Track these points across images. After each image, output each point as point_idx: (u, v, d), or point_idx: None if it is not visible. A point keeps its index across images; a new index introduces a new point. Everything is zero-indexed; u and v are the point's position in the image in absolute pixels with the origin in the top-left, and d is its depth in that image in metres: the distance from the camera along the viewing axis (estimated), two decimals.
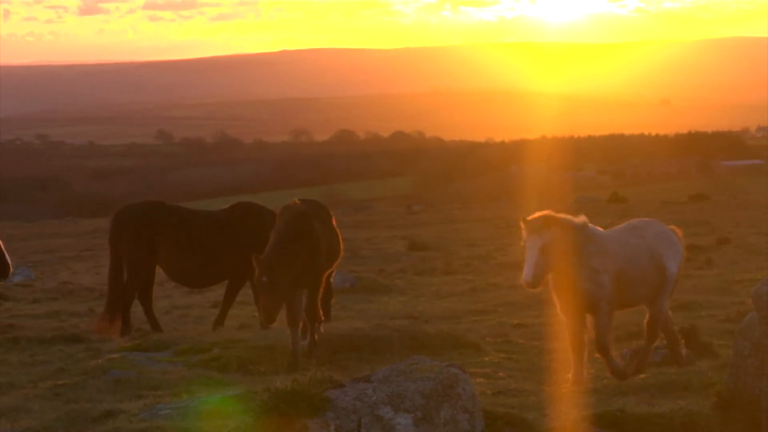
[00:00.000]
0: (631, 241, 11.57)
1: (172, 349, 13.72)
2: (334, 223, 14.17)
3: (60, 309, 19.87)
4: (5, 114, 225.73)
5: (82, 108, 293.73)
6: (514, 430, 8.42)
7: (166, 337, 14.78)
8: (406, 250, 32.59)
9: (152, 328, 16.23)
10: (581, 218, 11.18)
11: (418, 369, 7.94)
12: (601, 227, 12.25)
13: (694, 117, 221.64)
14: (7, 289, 23.11)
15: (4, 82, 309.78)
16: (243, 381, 11.58)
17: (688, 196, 59.50)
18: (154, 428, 8.97)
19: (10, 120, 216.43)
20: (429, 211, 60.96)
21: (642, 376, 11.37)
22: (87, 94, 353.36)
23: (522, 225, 10.86)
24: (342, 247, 14.32)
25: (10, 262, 12.35)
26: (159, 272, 16.64)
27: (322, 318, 14.02)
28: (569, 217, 11.16)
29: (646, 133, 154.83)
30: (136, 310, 16.70)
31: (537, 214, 10.90)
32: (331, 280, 15.53)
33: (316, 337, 13.54)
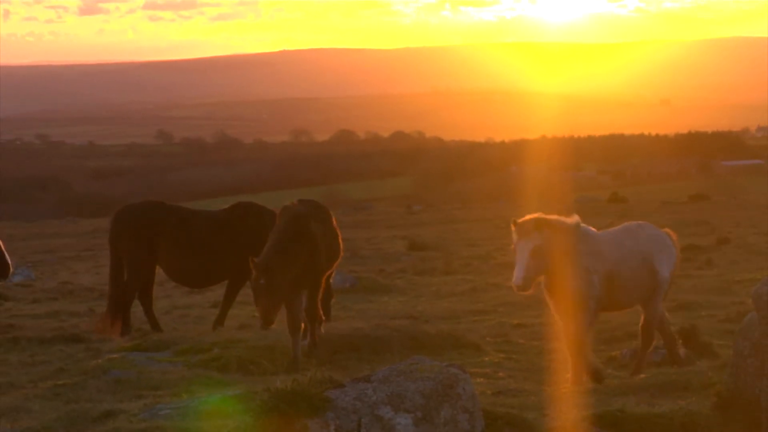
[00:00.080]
0: (624, 243, 11.58)
1: (172, 349, 13.72)
2: (334, 223, 14.14)
3: (60, 309, 19.87)
4: (5, 114, 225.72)
5: (82, 108, 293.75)
6: (514, 430, 8.42)
7: (166, 337, 14.78)
8: (406, 250, 32.59)
9: (152, 328, 16.23)
10: (574, 218, 11.19)
11: (418, 369, 7.94)
12: (602, 227, 12.25)
13: (694, 117, 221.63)
14: (7, 289, 23.11)
15: (4, 82, 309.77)
16: (243, 381, 11.58)
17: (688, 196, 59.49)
18: (154, 428, 8.96)
19: (10, 120, 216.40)
20: (429, 211, 60.96)
21: (642, 376, 11.38)
22: (87, 94, 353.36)
23: (513, 228, 10.86)
24: (342, 247, 14.31)
25: (10, 262, 12.36)
26: (159, 272, 16.64)
27: (323, 318, 14.01)
28: (561, 218, 11.17)
29: (646, 133, 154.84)
30: (136, 310, 16.70)
31: (528, 217, 10.92)
32: (331, 280, 15.52)
33: (316, 337, 13.53)
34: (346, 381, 7.93)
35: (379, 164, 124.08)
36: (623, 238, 11.64)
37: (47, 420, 9.64)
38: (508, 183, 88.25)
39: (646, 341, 11.95)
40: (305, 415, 7.58)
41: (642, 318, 11.96)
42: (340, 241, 14.20)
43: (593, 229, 11.56)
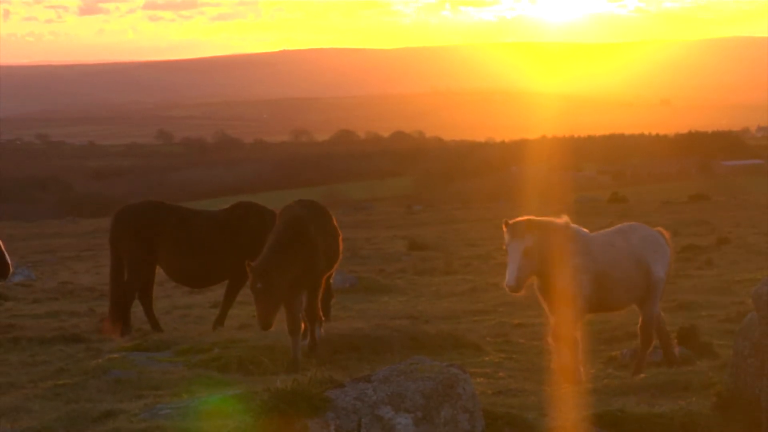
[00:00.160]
0: (616, 244, 11.61)
1: (173, 349, 13.72)
2: (335, 224, 14.10)
3: (60, 309, 19.87)
4: (5, 114, 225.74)
5: (82, 108, 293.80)
6: (514, 430, 8.42)
7: (167, 337, 14.77)
8: (406, 250, 32.60)
9: (152, 328, 16.23)
10: (564, 218, 11.25)
11: (419, 369, 7.94)
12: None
13: (694, 117, 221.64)
14: (8, 289, 23.11)
15: (4, 82, 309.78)
16: (243, 381, 11.58)
17: (688, 196, 59.48)
18: (154, 428, 8.97)
19: (10, 120, 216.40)
20: (429, 211, 60.97)
21: (642, 376, 11.39)
22: (87, 94, 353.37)
23: (504, 229, 10.93)
24: (342, 248, 14.27)
25: (10, 262, 12.36)
26: (159, 272, 16.64)
27: (323, 319, 13.99)
28: (551, 218, 11.22)
29: (646, 133, 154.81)
30: (137, 310, 16.70)
31: (519, 218, 10.97)
32: (331, 280, 15.51)
33: (316, 338, 13.52)
34: (346, 381, 7.94)
35: (379, 164, 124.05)
36: (615, 240, 11.68)
37: (47, 420, 9.65)
38: (508, 183, 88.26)
39: (645, 341, 11.97)
40: (305, 415, 7.59)
41: (640, 319, 11.98)
42: (341, 242, 14.18)
43: (585, 230, 11.60)
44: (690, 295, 19.27)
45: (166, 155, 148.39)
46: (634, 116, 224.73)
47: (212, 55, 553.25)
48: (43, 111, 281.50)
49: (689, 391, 10.09)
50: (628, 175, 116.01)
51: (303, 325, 13.28)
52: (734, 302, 17.72)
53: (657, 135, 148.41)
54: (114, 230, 16.44)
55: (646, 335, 11.94)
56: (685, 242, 29.03)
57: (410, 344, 13.73)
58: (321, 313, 13.83)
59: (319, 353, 13.38)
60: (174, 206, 16.81)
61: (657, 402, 9.46)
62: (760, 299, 8.88)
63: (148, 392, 11.00)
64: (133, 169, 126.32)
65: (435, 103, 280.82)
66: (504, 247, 10.99)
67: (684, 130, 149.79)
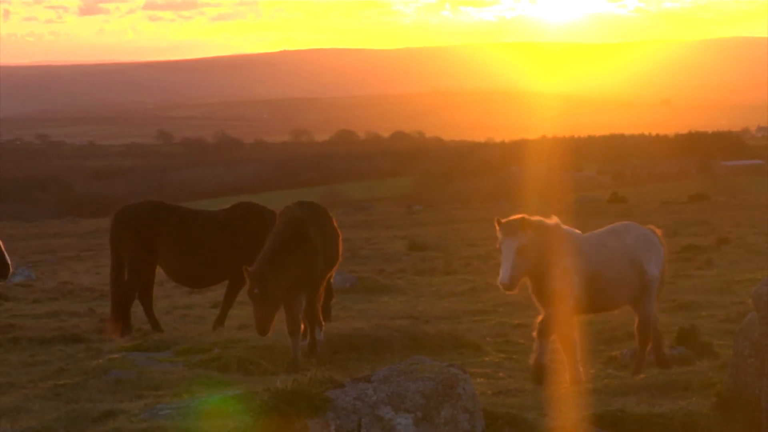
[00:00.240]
0: (609, 244, 11.61)
1: (173, 349, 13.72)
2: (335, 225, 14.06)
3: (60, 309, 19.87)
4: (5, 114, 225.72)
5: (82, 108, 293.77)
6: (514, 430, 8.42)
7: (167, 337, 14.78)
8: (407, 250, 32.61)
9: (153, 328, 16.23)
10: (554, 219, 11.27)
11: (419, 369, 7.94)
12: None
13: (694, 117, 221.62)
14: (8, 289, 23.11)
15: (4, 82, 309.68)
16: (243, 381, 11.58)
17: (688, 196, 59.49)
18: (154, 428, 8.97)
19: (10, 120, 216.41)
20: (429, 211, 60.98)
21: (642, 376, 11.39)
22: (87, 94, 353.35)
23: (497, 227, 10.95)
24: (341, 250, 14.24)
25: (9, 262, 12.37)
26: (159, 272, 16.64)
27: (323, 323, 13.93)
28: (543, 218, 11.24)
29: (646, 133, 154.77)
30: (137, 310, 16.71)
31: (512, 217, 10.99)
32: (331, 280, 15.50)
33: (316, 341, 13.49)
34: (346, 381, 7.94)
35: (379, 164, 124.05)
36: (608, 240, 11.67)
37: (47, 420, 9.65)
38: (508, 183, 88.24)
39: (643, 341, 11.97)
40: (305, 415, 7.59)
41: (637, 319, 11.96)
42: (341, 243, 14.15)
43: (577, 231, 11.61)
44: (690, 295, 19.28)
45: (166, 155, 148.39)
46: (634, 116, 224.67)
47: (212, 56, 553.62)
48: (43, 111, 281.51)
49: (689, 391, 10.09)
50: (628, 175, 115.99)
51: (302, 326, 13.28)
52: (734, 302, 17.72)
53: (657, 135, 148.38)
54: (114, 230, 16.45)
55: (644, 335, 11.94)
56: (685, 242, 29.04)
57: (410, 344, 13.74)
58: (321, 317, 13.79)
59: (319, 353, 13.38)
60: (174, 206, 16.81)
61: (657, 402, 9.46)
62: (760, 299, 8.88)
63: (148, 392, 11.01)
64: (133, 169, 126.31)
65: (435, 103, 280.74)
66: (497, 246, 11.01)
67: (684, 130, 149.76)
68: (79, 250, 40.64)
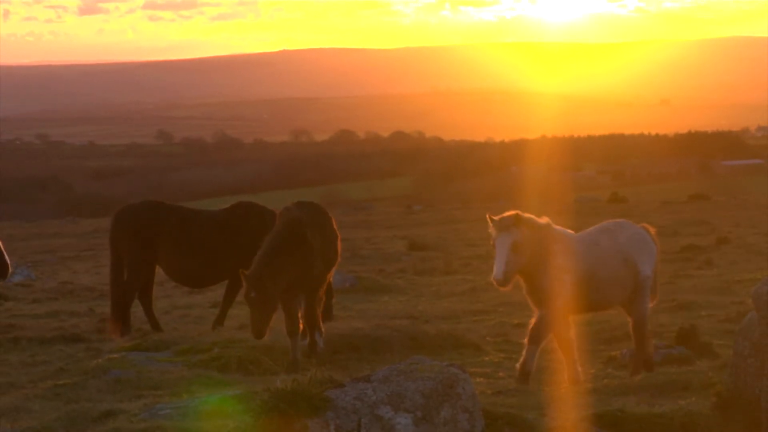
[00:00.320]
0: (602, 243, 11.59)
1: (172, 349, 13.72)
2: (334, 226, 14.02)
3: (60, 309, 19.87)
4: (5, 114, 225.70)
5: (82, 108, 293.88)
6: (514, 430, 8.42)
7: (166, 337, 14.78)
8: (406, 250, 32.60)
9: (152, 328, 16.23)
10: (544, 219, 11.27)
11: (418, 369, 7.94)
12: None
13: (694, 117, 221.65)
14: (8, 289, 23.11)
15: (4, 82, 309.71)
16: (243, 381, 11.58)
17: (688, 196, 59.49)
18: (154, 428, 8.97)
19: (10, 120, 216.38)
20: (429, 211, 60.97)
21: (641, 376, 11.39)
22: (87, 94, 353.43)
23: (490, 223, 10.95)
24: (340, 252, 14.18)
25: (9, 262, 12.35)
26: (159, 272, 16.64)
27: (323, 329, 13.82)
28: (534, 217, 11.25)
29: (645, 133, 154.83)
30: (136, 310, 16.71)
31: (506, 213, 10.99)
32: (330, 280, 15.48)
33: (315, 344, 13.46)
34: (346, 381, 7.94)
35: (379, 164, 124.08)
36: (601, 239, 11.65)
37: (47, 420, 9.65)
38: (507, 183, 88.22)
39: (639, 341, 11.94)
40: (305, 415, 7.59)
41: (632, 320, 11.90)
42: (339, 245, 14.10)
43: (569, 231, 11.60)
44: (690, 295, 19.27)
45: (166, 155, 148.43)
46: (633, 116, 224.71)
47: (212, 55, 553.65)
48: (43, 111, 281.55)
49: (689, 391, 10.09)
50: (627, 175, 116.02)
51: (301, 326, 13.26)
52: (734, 302, 17.72)
53: (657, 135, 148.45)
54: (114, 230, 16.45)
55: (639, 335, 11.92)
56: (685, 242, 29.04)
57: (410, 344, 13.73)
58: (321, 323, 13.72)
59: (318, 354, 13.37)
60: (174, 206, 16.82)
61: (657, 402, 9.47)
62: (759, 299, 8.88)
63: (148, 392, 11.01)
64: (133, 170, 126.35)
65: (435, 103, 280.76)
66: (491, 243, 11.01)
67: (684, 130, 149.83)
68: (79, 250, 40.63)
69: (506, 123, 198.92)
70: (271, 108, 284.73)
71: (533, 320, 11.28)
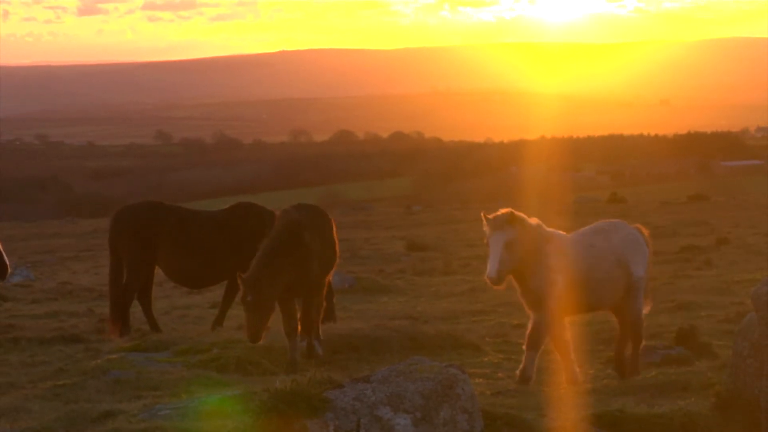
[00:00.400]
0: (596, 244, 11.58)
1: (172, 350, 13.72)
2: (333, 229, 13.98)
3: (60, 309, 19.88)
4: (5, 114, 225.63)
5: (82, 108, 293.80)
6: (514, 431, 8.42)
7: (166, 337, 14.78)
8: (406, 250, 32.60)
9: (151, 329, 16.23)
10: (534, 220, 11.27)
11: (418, 369, 7.94)
12: None
13: (694, 117, 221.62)
14: (7, 289, 23.11)
15: (4, 82, 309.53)
16: (242, 381, 11.58)
17: (688, 197, 59.46)
18: (153, 428, 8.96)
19: (10, 120, 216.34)
20: (428, 211, 60.97)
21: (639, 376, 11.39)
22: (86, 94, 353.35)
23: (484, 221, 10.95)
24: (338, 254, 14.15)
25: (8, 262, 12.35)
26: (158, 272, 16.64)
27: (320, 335, 13.75)
28: (526, 217, 11.25)
29: (645, 133, 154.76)
30: (136, 310, 16.71)
31: (500, 211, 10.97)
32: (330, 280, 15.46)
33: (313, 347, 13.43)
34: (346, 381, 7.94)
35: (378, 164, 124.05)
36: (595, 240, 11.63)
37: (47, 420, 9.65)
38: (507, 183, 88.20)
39: (636, 341, 11.94)
40: (304, 415, 7.58)
41: (627, 321, 11.87)
42: (337, 248, 14.06)
43: (561, 232, 11.59)
44: (689, 295, 19.28)
45: (165, 156, 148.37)
46: (633, 116, 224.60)
47: (211, 56, 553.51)
48: (43, 111, 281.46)
49: (688, 391, 10.10)
50: (627, 175, 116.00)
51: (299, 327, 13.24)
52: (733, 302, 17.73)
53: (656, 135, 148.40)
54: (113, 231, 16.45)
55: (636, 335, 11.91)
56: (684, 242, 29.04)
57: (409, 345, 13.73)
58: (320, 328, 13.68)
59: (317, 355, 13.37)
60: (173, 206, 16.82)
61: (656, 402, 9.47)
62: (759, 300, 8.88)
63: (147, 393, 11.01)
64: (132, 170, 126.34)
65: (434, 103, 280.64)
66: (485, 241, 11.01)
67: (683, 131, 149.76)
68: (78, 251, 40.64)
69: (506, 123, 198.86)
70: (270, 108, 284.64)
71: (530, 325, 11.27)
